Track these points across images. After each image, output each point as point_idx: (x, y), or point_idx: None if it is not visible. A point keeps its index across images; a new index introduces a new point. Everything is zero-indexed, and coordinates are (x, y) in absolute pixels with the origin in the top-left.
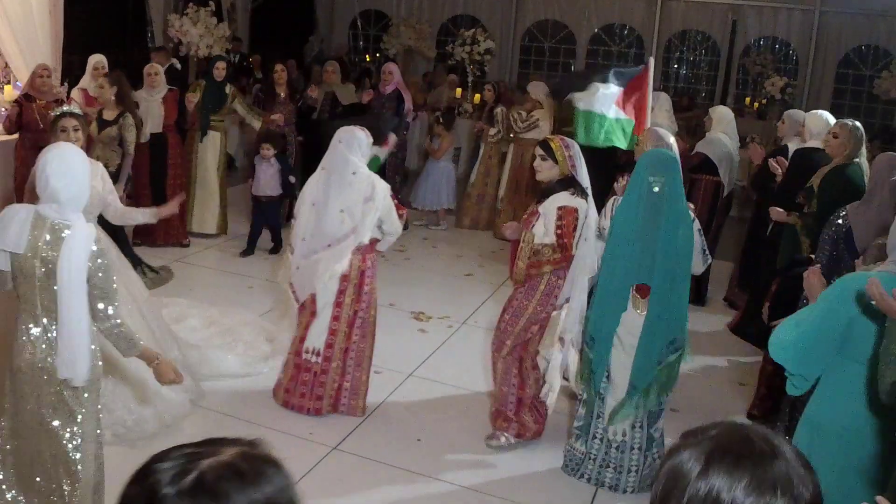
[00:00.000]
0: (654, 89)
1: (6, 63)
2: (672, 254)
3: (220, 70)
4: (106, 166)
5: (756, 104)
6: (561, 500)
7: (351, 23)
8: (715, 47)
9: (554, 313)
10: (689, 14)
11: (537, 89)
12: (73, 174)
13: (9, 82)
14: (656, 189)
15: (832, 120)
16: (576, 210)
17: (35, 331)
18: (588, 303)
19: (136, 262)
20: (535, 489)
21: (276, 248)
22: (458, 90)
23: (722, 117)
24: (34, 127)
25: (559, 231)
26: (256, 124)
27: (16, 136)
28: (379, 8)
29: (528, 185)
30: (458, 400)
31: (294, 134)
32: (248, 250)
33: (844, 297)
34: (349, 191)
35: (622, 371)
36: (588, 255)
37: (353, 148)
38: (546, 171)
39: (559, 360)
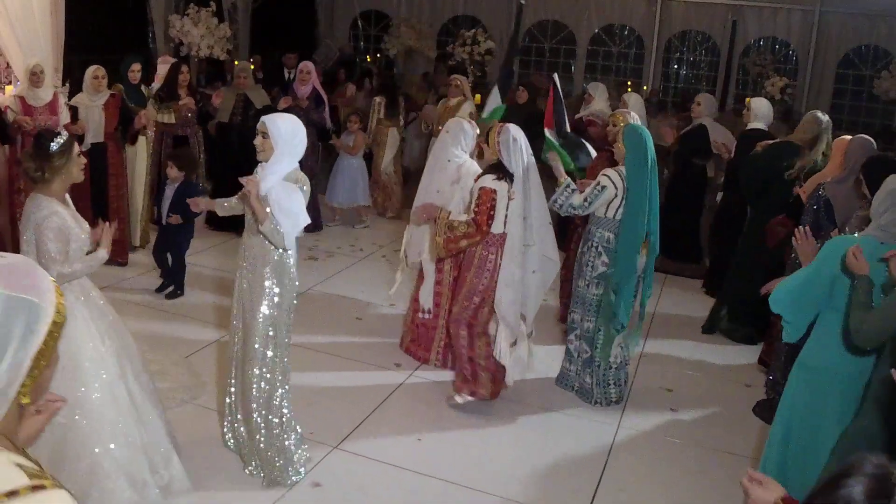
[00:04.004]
0: (653, 88)
1: (7, 63)
2: (657, 203)
3: (135, 73)
4: None
5: None
6: (562, 498)
7: (352, 23)
8: (715, 47)
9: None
10: (689, 14)
11: (464, 82)
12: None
13: (10, 83)
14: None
15: (769, 106)
16: (493, 191)
17: None
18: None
19: None
20: (535, 487)
21: (174, 292)
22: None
23: (634, 103)
24: None
25: (475, 209)
26: (169, 117)
27: None
28: (380, 8)
29: None
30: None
31: (197, 135)
32: (166, 283)
33: (829, 256)
34: (441, 175)
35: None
36: (517, 233)
37: (457, 139)
38: (486, 154)
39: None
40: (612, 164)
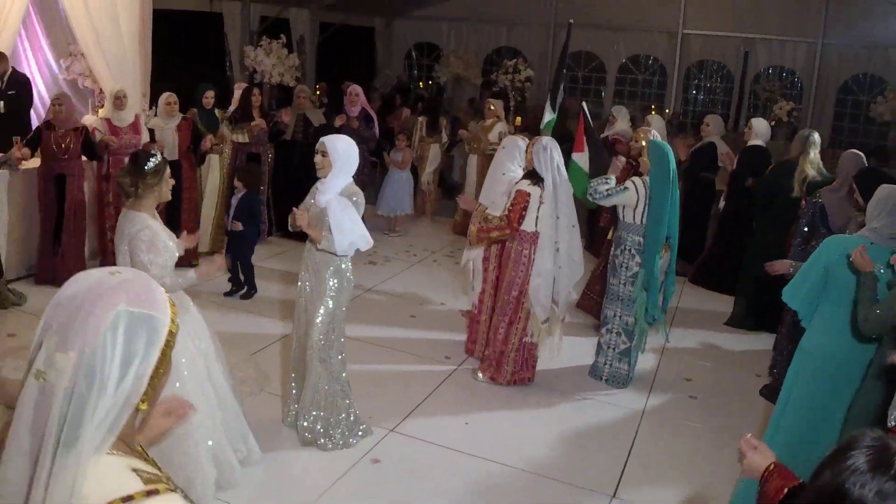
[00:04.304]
0: (674, 111)
1: (101, 89)
2: (677, 212)
3: (208, 99)
4: None
5: None
6: (594, 475)
7: (406, 54)
8: (729, 75)
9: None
10: (706, 46)
11: (498, 105)
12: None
13: (102, 106)
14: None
15: (767, 126)
16: (528, 194)
17: None
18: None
19: None
20: (569, 465)
21: (248, 292)
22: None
23: (656, 124)
24: (49, 153)
25: (510, 208)
26: (243, 137)
27: (37, 163)
28: (431, 40)
29: None
30: (501, 389)
31: (269, 153)
32: (234, 289)
33: (822, 252)
34: (495, 186)
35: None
36: (548, 233)
37: (512, 154)
38: (526, 163)
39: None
40: (637, 174)
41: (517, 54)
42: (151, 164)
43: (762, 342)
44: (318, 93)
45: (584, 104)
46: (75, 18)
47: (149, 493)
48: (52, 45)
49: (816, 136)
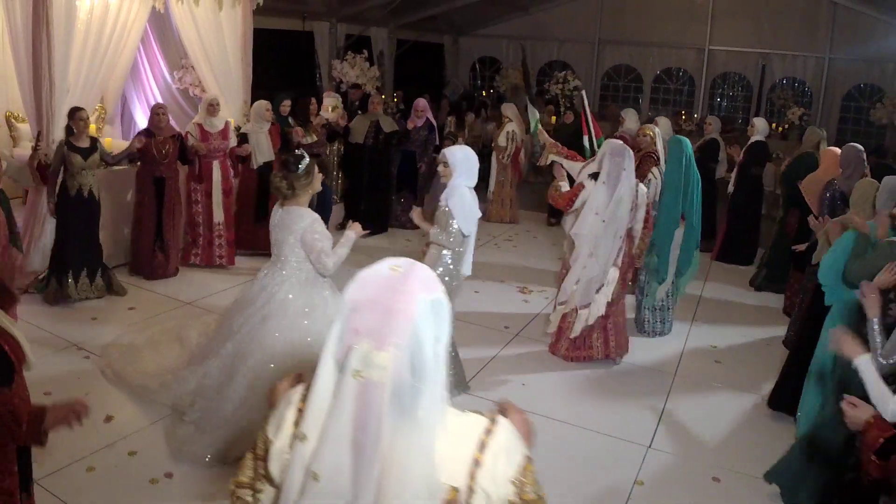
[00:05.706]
0: (701, 116)
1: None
2: (697, 193)
3: (285, 107)
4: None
5: (780, 129)
6: (630, 428)
7: (471, 66)
8: (749, 85)
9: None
10: (729, 60)
11: (508, 109)
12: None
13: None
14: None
15: (766, 124)
16: (582, 185)
17: None
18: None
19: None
20: (611, 421)
21: None
22: (553, 117)
23: (663, 124)
24: (150, 158)
25: (569, 191)
26: (311, 138)
27: (137, 165)
28: (492, 55)
29: (511, 181)
30: (553, 355)
31: (324, 150)
32: None
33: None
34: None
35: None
36: (591, 231)
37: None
38: (590, 165)
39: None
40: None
41: (566, 67)
42: (302, 166)
43: (778, 316)
44: (395, 99)
45: (583, 94)
46: (186, 37)
47: (493, 420)
48: (167, 59)
49: (825, 133)
